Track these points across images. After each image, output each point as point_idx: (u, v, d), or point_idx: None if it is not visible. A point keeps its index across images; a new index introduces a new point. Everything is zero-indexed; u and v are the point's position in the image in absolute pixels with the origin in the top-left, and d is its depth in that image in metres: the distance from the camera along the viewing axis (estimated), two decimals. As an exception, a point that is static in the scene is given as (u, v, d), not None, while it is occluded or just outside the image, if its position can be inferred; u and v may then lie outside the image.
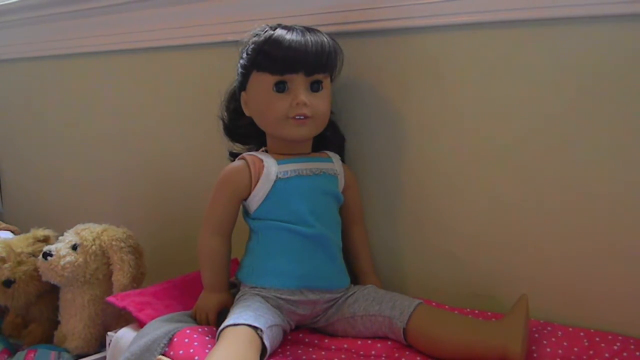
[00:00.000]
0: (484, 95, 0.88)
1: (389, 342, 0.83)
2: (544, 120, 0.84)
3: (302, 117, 0.86)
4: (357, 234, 0.98)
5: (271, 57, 0.86)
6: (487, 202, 0.90)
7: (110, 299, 0.95)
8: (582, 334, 0.81)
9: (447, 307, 0.90)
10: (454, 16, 0.88)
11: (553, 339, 0.80)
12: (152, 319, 0.87)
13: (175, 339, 0.80)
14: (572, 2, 0.79)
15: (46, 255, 1.08)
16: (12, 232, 1.37)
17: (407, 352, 0.81)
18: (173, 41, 1.22)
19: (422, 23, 0.91)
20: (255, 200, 0.88)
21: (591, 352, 0.78)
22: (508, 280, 0.90)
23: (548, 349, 0.79)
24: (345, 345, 0.84)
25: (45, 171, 1.62)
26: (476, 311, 0.89)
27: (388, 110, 0.97)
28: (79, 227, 1.14)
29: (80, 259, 1.09)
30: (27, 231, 1.24)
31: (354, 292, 0.88)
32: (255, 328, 0.75)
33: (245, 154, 0.91)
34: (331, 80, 0.92)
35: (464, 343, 0.77)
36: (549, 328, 0.83)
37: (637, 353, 0.76)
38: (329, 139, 0.96)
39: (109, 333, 0.92)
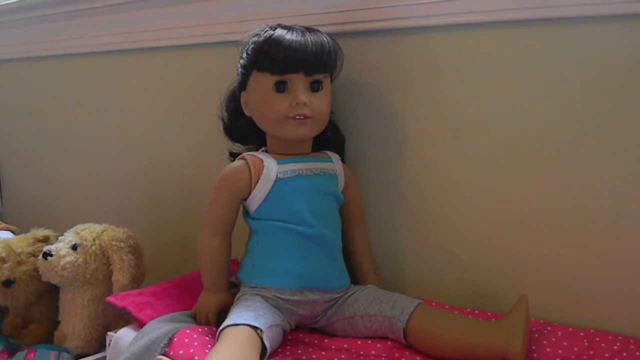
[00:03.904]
0: (484, 95, 0.88)
1: (389, 342, 0.83)
2: (543, 120, 0.84)
3: (302, 117, 0.86)
4: (357, 234, 0.98)
5: (271, 57, 0.86)
6: (487, 202, 0.90)
7: (110, 299, 0.95)
8: (582, 334, 0.81)
9: (447, 307, 0.90)
10: (454, 16, 0.88)
11: (553, 339, 0.80)
12: (152, 319, 0.87)
13: (175, 339, 0.80)
14: (572, 2, 0.79)
15: (46, 255, 1.08)
16: (12, 232, 1.37)
17: (407, 352, 0.81)
18: (173, 41, 1.22)
19: (422, 23, 0.91)
20: (255, 200, 0.88)
21: (591, 352, 0.78)
22: (508, 280, 0.90)
23: (548, 349, 0.79)
24: (345, 345, 0.84)
25: (45, 171, 1.62)
26: (476, 311, 0.89)
27: (388, 110, 0.97)
28: (79, 227, 1.14)
29: (80, 259, 1.09)
30: (27, 231, 1.24)
31: (354, 292, 0.88)
32: (255, 328, 0.75)
33: (245, 154, 0.91)
34: (331, 80, 0.92)
35: (463, 343, 0.77)
36: (549, 328, 0.83)
37: (637, 353, 0.76)
38: (329, 139, 0.96)
39: (109, 333, 0.92)
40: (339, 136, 0.98)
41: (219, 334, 0.75)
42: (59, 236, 1.16)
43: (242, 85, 0.92)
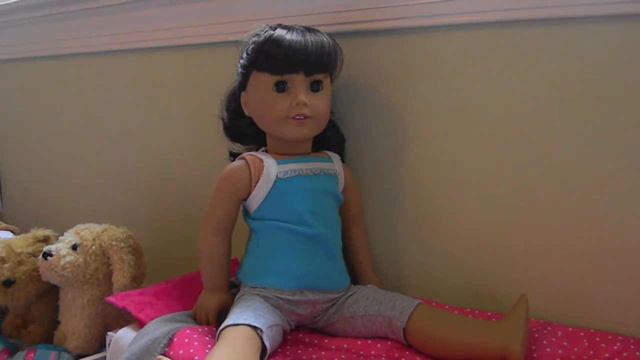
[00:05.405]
0: (483, 95, 0.88)
1: (389, 342, 0.83)
2: (543, 121, 0.84)
3: (302, 117, 0.87)
4: (357, 234, 0.98)
5: (271, 57, 0.86)
6: (487, 202, 0.90)
7: (110, 299, 0.95)
8: (582, 334, 0.81)
9: (447, 307, 0.90)
10: (454, 16, 0.88)
11: (553, 339, 0.80)
12: (152, 319, 0.87)
13: (175, 339, 0.80)
14: (572, 2, 0.79)
15: (46, 255, 1.08)
16: (12, 232, 1.37)
17: (407, 352, 0.81)
18: (173, 41, 1.22)
19: (421, 23, 0.91)
20: (255, 200, 0.88)
21: (591, 352, 0.78)
22: (508, 280, 0.90)
23: (548, 349, 0.79)
24: (345, 345, 0.84)
25: (45, 171, 1.62)
26: (476, 311, 0.89)
27: (388, 110, 0.97)
28: (79, 227, 1.15)
29: (80, 259, 1.09)
30: (27, 231, 1.24)
31: (354, 292, 0.88)
32: (255, 328, 0.75)
33: (245, 154, 0.91)
34: (331, 80, 0.92)
35: (463, 343, 0.77)
36: (549, 328, 0.83)
37: (637, 353, 0.76)
38: (329, 139, 0.96)
39: (109, 333, 0.92)
40: (339, 136, 0.98)
41: (219, 334, 0.75)
42: (59, 236, 1.17)
43: (242, 85, 0.92)
